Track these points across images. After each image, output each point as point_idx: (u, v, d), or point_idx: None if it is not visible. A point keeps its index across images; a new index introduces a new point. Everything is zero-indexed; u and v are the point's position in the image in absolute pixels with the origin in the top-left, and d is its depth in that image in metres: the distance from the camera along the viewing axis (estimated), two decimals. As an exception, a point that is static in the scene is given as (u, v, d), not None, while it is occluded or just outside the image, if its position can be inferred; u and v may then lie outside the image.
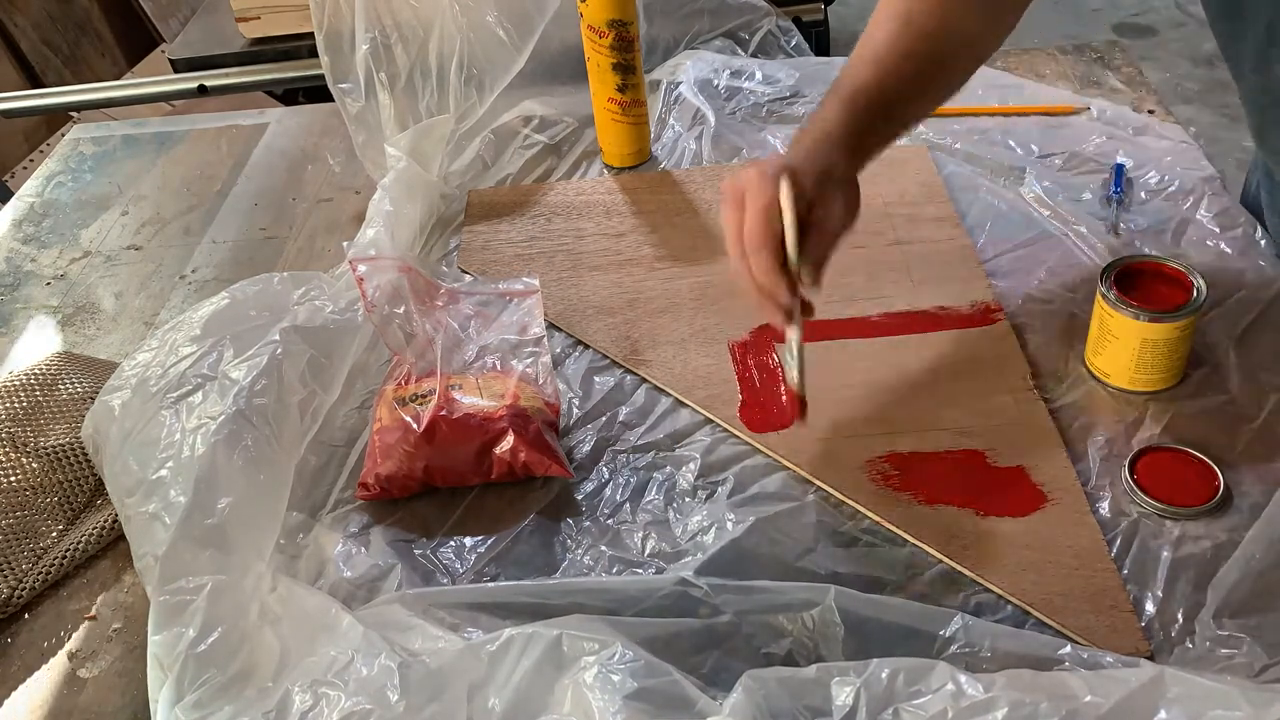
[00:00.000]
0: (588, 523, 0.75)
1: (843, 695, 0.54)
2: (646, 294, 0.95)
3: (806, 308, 0.74)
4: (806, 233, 0.72)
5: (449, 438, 0.77)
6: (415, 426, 0.76)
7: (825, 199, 0.73)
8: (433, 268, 1.02)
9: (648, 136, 1.14)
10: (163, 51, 2.25)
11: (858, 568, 0.70)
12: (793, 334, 0.74)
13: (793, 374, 0.75)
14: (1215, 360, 0.81)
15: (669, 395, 0.84)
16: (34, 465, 0.81)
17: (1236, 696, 0.52)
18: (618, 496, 0.77)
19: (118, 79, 2.36)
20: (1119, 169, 1.00)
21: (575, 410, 0.84)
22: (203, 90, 1.49)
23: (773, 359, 0.86)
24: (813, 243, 0.72)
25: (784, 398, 0.81)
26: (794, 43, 1.30)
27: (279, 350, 0.78)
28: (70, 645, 0.73)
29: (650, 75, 1.21)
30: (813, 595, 0.62)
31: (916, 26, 0.79)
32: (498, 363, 0.85)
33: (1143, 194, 0.98)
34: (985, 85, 1.16)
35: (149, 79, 1.85)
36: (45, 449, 0.82)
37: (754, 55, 1.28)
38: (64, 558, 0.77)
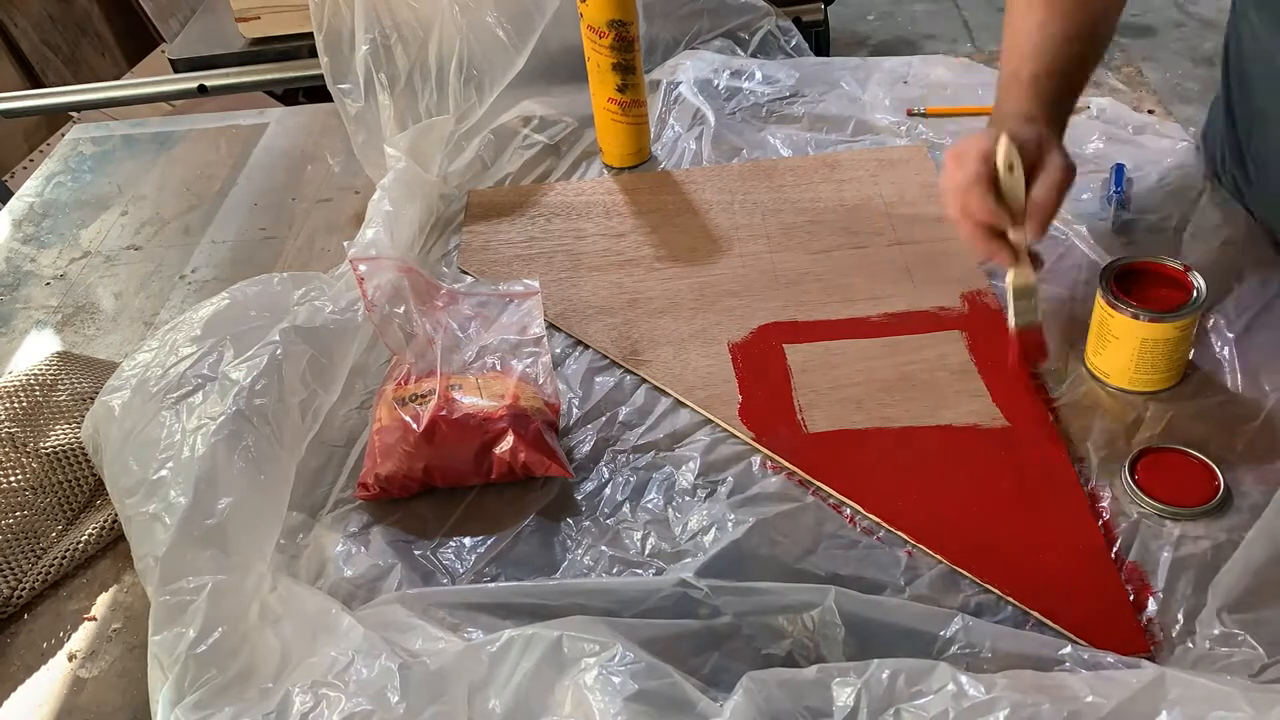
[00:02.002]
0: (588, 523, 0.75)
1: (844, 696, 0.54)
2: (646, 294, 0.95)
3: (1035, 258, 0.78)
4: (1030, 183, 0.76)
5: (449, 438, 0.76)
6: (415, 426, 0.76)
7: (1053, 154, 0.77)
8: (433, 268, 1.02)
9: (648, 136, 1.14)
10: (163, 51, 2.25)
11: (858, 569, 0.70)
12: (1011, 274, 0.78)
13: (1010, 316, 0.78)
14: (1215, 360, 0.81)
15: (669, 395, 0.84)
16: (34, 465, 0.81)
17: (1238, 698, 0.52)
18: (618, 496, 0.77)
19: (118, 79, 2.36)
20: (1119, 169, 1.00)
21: (575, 410, 0.84)
22: (203, 90, 1.49)
23: (771, 360, 0.86)
24: (1044, 187, 0.76)
25: (1011, 344, 0.80)
26: (794, 43, 1.30)
27: (279, 350, 0.78)
28: (70, 645, 0.73)
29: (650, 75, 1.21)
30: (813, 596, 0.62)
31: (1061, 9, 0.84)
32: (498, 363, 0.85)
33: (1143, 194, 0.98)
34: (985, 85, 1.16)
35: (149, 79, 1.85)
36: (45, 449, 0.82)
37: (754, 55, 1.29)
38: (64, 558, 0.77)
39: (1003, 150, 0.76)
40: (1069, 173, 0.77)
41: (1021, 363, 0.80)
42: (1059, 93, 0.83)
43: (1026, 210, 0.76)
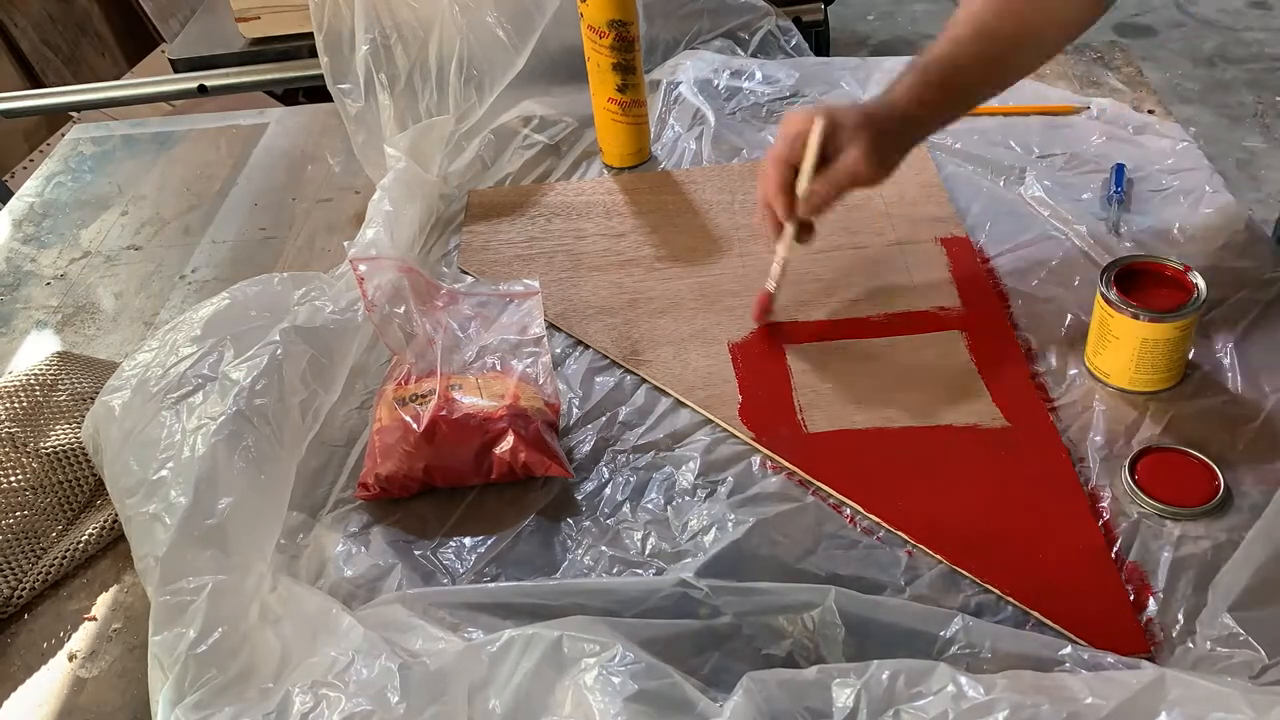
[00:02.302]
0: (588, 523, 0.75)
1: (843, 697, 0.54)
2: (646, 294, 0.95)
3: (807, 229, 0.85)
4: (821, 170, 0.81)
5: (449, 438, 0.76)
6: (415, 426, 0.76)
7: (853, 149, 0.80)
8: (433, 268, 1.02)
9: (648, 136, 1.14)
10: (163, 51, 2.24)
11: (858, 569, 0.70)
12: (780, 249, 0.86)
13: (770, 282, 0.87)
14: (1215, 360, 0.81)
15: (669, 395, 0.84)
16: (34, 465, 0.81)
17: (1238, 699, 0.52)
18: (618, 496, 0.77)
19: (118, 79, 2.35)
20: (1119, 169, 1.00)
21: (575, 410, 0.84)
22: (203, 90, 1.49)
23: (771, 360, 0.86)
24: (821, 179, 0.81)
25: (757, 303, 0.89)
26: (794, 43, 1.30)
27: (279, 350, 0.78)
28: (70, 645, 0.73)
29: (650, 75, 1.21)
30: (813, 596, 0.62)
31: (998, 4, 0.82)
32: (498, 363, 0.85)
33: (1143, 194, 0.98)
34: (985, 85, 1.16)
35: (149, 79, 1.85)
36: (45, 449, 0.82)
37: (754, 55, 1.29)
38: (64, 558, 0.77)
39: (813, 140, 0.80)
40: (866, 172, 0.80)
41: (759, 317, 0.89)
42: (943, 86, 0.83)
43: (805, 192, 0.82)
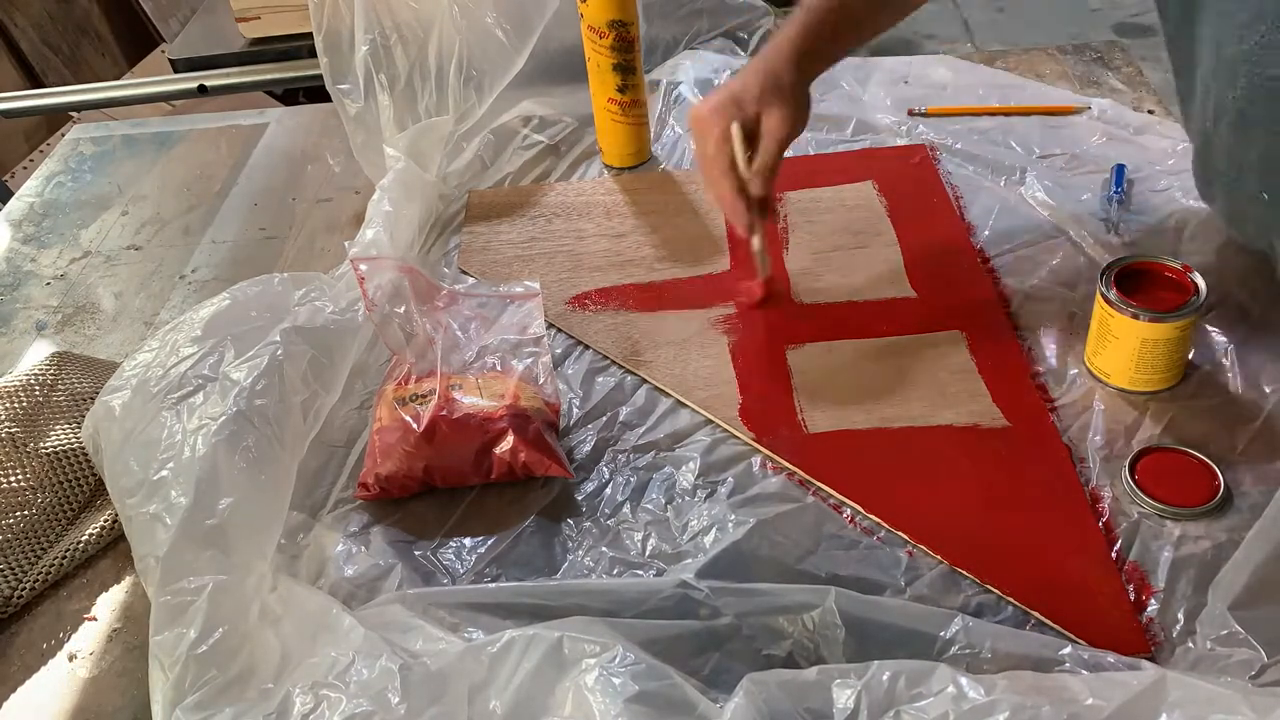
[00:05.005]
0: (588, 523, 0.75)
1: (844, 698, 0.54)
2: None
3: (768, 211, 0.89)
4: (753, 144, 0.83)
5: (449, 438, 0.76)
6: (415, 426, 0.76)
7: (769, 112, 0.83)
8: (433, 268, 1.02)
9: (648, 137, 1.13)
10: (163, 51, 2.25)
11: (858, 569, 0.70)
12: (755, 243, 0.88)
13: (759, 269, 0.90)
14: (1215, 360, 0.81)
15: (669, 396, 0.84)
16: (34, 465, 0.81)
17: (1238, 700, 0.52)
18: (618, 497, 0.77)
19: (118, 79, 2.35)
20: (1119, 169, 1.00)
21: (575, 410, 0.84)
22: (203, 90, 1.49)
23: (771, 360, 0.86)
24: (759, 152, 0.83)
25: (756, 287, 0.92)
26: (794, 43, 1.30)
27: (280, 351, 0.78)
28: (70, 645, 0.73)
29: (650, 75, 1.21)
30: (813, 597, 0.62)
31: None
32: (498, 363, 0.85)
33: (1143, 194, 0.98)
34: (985, 85, 1.16)
35: (149, 79, 1.85)
36: (45, 449, 0.82)
37: (754, 55, 1.28)
38: (64, 558, 0.77)
39: (737, 142, 0.83)
40: (788, 125, 0.83)
41: (764, 301, 0.91)
42: (827, 26, 0.86)
43: (752, 174, 0.84)
